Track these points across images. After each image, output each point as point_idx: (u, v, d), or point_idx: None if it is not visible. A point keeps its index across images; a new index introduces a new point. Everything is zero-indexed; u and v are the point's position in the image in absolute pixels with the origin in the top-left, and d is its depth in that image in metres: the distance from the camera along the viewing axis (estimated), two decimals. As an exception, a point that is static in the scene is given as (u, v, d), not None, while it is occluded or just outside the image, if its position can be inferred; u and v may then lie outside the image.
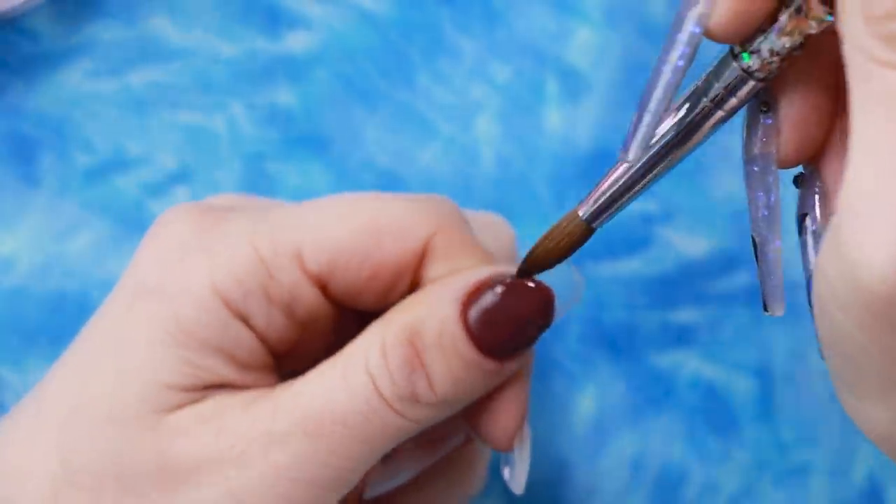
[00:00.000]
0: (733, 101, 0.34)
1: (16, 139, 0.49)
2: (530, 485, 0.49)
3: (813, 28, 0.33)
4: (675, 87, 0.33)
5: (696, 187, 0.50)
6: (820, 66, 0.34)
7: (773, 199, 0.36)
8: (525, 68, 0.50)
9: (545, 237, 0.37)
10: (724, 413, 0.49)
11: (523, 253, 0.38)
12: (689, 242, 0.49)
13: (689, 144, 0.35)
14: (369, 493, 0.42)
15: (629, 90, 0.49)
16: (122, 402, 0.36)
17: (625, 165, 0.35)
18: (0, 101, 0.49)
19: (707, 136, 0.35)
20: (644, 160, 0.35)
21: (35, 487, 0.37)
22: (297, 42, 0.50)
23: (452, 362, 0.37)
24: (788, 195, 0.36)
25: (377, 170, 0.49)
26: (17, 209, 0.49)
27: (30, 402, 0.38)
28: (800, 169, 0.36)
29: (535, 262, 0.37)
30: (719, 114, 0.35)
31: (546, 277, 0.37)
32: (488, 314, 0.37)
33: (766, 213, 0.36)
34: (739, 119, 0.36)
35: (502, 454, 0.40)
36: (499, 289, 0.37)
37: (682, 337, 0.49)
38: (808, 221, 0.36)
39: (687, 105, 0.35)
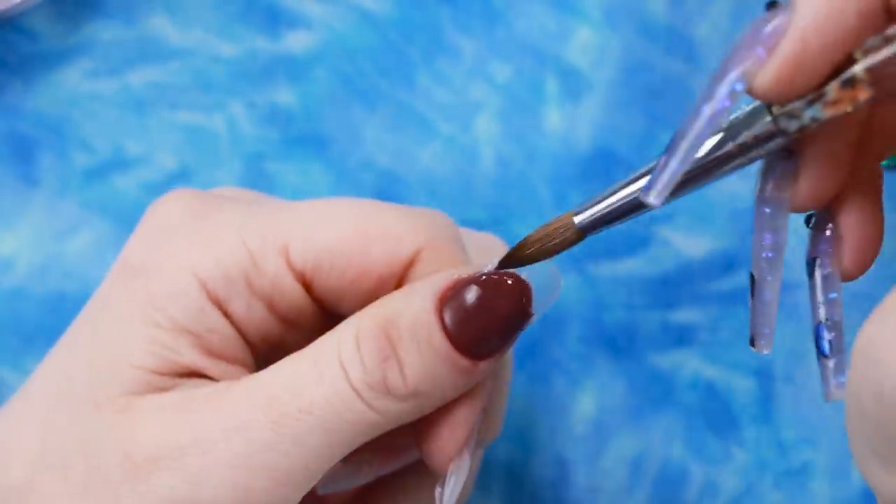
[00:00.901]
0: (759, 151, 0.34)
1: (15, 139, 0.49)
2: (531, 485, 0.49)
3: (859, 104, 0.32)
4: (707, 138, 0.33)
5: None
6: (846, 121, 0.34)
7: (779, 241, 0.35)
8: (525, 68, 0.50)
9: (536, 236, 0.37)
10: (724, 413, 0.49)
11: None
12: (689, 242, 0.49)
13: (704, 181, 0.35)
14: (320, 490, 0.41)
15: (629, 90, 0.49)
16: (94, 382, 0.36)
17: (633, 188, 0.35)
18: (-1, 100, 0.49)
19: (722, 177, 0.35)
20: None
21: (17, 468, 0.37)
22: (296, 42, 0.50)
23: (426, 355, 0.36)
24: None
25: (377, 169, 0.49)
26: (17, 209, 0.49)
27: (24, 386, 0.39)
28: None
29: (520, 259, 0.37)
30: (741, 159, 0.34)
31: (525, 272, 0.37)
32: (464, 308, 0.36)
33: (770, 255, 0.35)
34: None
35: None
36: (476, 282, 0.36)
37: (682, 337, 0.49)
38: (817, 264, 0.35)
39: (710, 145, 0.34)
